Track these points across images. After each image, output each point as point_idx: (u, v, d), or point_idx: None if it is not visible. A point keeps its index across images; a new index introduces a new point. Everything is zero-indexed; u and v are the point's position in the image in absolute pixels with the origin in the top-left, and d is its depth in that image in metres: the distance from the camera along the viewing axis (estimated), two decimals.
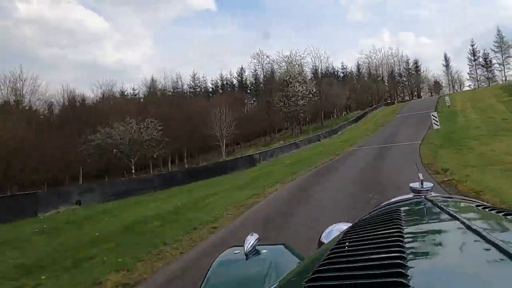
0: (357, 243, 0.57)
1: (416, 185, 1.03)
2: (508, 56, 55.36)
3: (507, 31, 70.44)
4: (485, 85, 55.42)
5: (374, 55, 62.79)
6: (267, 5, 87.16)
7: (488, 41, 72.56)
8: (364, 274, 0.42)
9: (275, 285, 0.56)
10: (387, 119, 28.72)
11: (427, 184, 1.01)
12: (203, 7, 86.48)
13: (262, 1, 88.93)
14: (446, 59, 64.94)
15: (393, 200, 1.06)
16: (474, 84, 59.32)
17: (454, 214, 0.65)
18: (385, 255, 0.46)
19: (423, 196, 0.96)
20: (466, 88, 59.41)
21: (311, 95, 40.88)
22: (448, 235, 0.57)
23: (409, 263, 0.44)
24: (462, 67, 67.20)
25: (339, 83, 54.45)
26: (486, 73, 57.55)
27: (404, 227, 0.61)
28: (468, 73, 59.95)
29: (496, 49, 56.21)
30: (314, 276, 0.45)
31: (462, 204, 0.88)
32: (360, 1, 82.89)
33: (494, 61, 56.91)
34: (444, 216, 0.68)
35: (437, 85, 59.97)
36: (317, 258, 0.59)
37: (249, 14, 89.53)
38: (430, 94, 60.64)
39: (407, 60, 62.11)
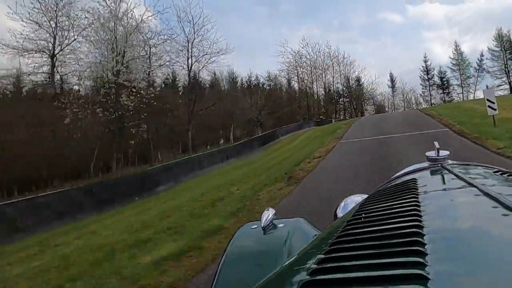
0: (374, 214, 0.58)
1: (432, 153, 1.03)
2: (468, 77, 47.67)
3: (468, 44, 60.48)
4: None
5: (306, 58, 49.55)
6: None
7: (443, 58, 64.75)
8: (381, 244, 0.43)
9: (293, 258, 0.58)
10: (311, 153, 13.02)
11: (444, 152, 1.02)
12: None
13: None
14: (392, 79, 53.42)
15: (408, 169, 1.07)
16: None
17: (472, 181, 0.66)
18: (401, 225, 0.47)
19: (439, 165, 0.97)
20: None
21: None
22: (465, 202, 0.58)
23: (425, 231, 0.44)
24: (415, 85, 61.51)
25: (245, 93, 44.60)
26: (442, 95, 49.49)
27: (421, 196, 0.63)
28: (420, 94, 51.08)
29: (453, 67, 48.19)
30: (332, 247, 0.46)
31: (479, 171, 0.89)
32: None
33: (452, 81, 48.65)
34: (461, 183, 0.69)
35: (381, 107, 51.02)
36: (334, 230, 0.59)
37: None
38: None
39: (346, 76, 51.20)
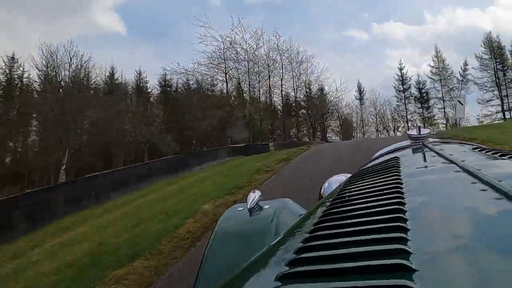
0: (357, 192, 0.61)
1: (413, 132, 1.08)
2: (451, 89, 38.29)
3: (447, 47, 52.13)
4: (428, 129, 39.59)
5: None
6: None
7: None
8: (364, 221, 0.44)
9: (279, 237, 0.59)
10: None
11: (424, 131, 1.07)
12: None
13: None
14: (360, 90, 42.24)
15: (391, 147, 1.10)
16: (403, 127, 38.96)
17: (451, 158, 0.69)
18: (384, 202, 0.49)
19: (420, 143, 1.00)
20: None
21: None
22: (445, 179, 0.60)
23: (407, 207, 0.46)
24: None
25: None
26: (421, 109, 39.89)
27: (403, 174, 0.65)
28: (395, 108, 40.64)
29: (434, 77, 38.76)
30: (317, 226, 0.48)
31: (459, 148, 0.93)
32: None
33: (432, 94, 39.16)
34: (442, 160, 0.72)
35: (347, 122, 40.96)
36: (319, 209, 0.62)
37: None
38: (340, 135, 40.53)
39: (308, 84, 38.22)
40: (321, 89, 38.98)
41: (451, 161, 0.68)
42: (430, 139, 1.05)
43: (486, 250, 0.32)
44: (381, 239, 0.38)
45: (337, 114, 39.90)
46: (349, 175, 1.03)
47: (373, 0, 50.74)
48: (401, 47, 51.03)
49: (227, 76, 32.37)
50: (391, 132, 41.40)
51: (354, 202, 0.55)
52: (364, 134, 42.05)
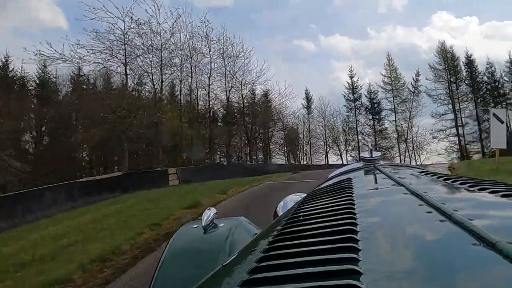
0: (311, 212, 0.64)
1: (365, 154, 1.12)
2: (404, 100, 36.04)
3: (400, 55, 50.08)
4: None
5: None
6: None
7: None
8: (317, 241, 0.47)
9: (233, 256, 0.62)
10: None
11: (376, 153, 1.12)
12: None
13: None
14: (308, 98, 38.26)
15: (344, 169, 1.14)
16: (353, 141, 36.63)
17: (400, 181, 0.75)
18: (337, 222, 0.53)
19: (372, 165, 1.05)
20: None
21: None
22: (395, 200, 0.65)
23: (359, 228, 0.48)
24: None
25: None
26: (372, 121, 36.94)
27: (355, 195, 0.70)
28: (345, 119, 37.25)
29: (386, 87, 36.43)
30: (271, 246, 0.51)
31: (407, 171, 0.98)
32: None
33: (385, 104, 36.64)
34: (392, 182, 0.77)
35: (292, 133, 36.17)
36: (273, 229, 0.65)
37: None
38: (286, 155, 36.57)
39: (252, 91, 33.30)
40: (266, 94, 33.77)
41: (400, 184, 0.72)
42: (382, 162, 1.10)
43: (432, 271, 0.34)
44: (334, 260, 0.39)
45: (281, 123, 33.78)
46: (304, 194, 1.07)
47: (321, 13, 51.76)
48: (346, 59, 52.53)
49: (128, 68, 23.19)
50: (342, 148, 36.20)
51: (308, 222, 0.58)
52: (311, 147, 36.42)
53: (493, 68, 32.96)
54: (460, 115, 33.94)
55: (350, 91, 37.55)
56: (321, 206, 0.66)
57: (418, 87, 35.07)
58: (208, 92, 29.68)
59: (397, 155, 34.95)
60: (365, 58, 49.40)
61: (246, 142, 32.65)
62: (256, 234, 1.02)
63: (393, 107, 35.85)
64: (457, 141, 33.79)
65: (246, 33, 48.39)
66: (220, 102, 31.49)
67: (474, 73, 33.79)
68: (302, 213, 0.64)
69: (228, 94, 30.77)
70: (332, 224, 0.51)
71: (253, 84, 31.41)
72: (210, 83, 29.38)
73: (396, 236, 0.47)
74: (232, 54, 29.81)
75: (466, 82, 33.95)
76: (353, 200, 0.64)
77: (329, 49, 50.76)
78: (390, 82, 36.16)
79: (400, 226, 0.51)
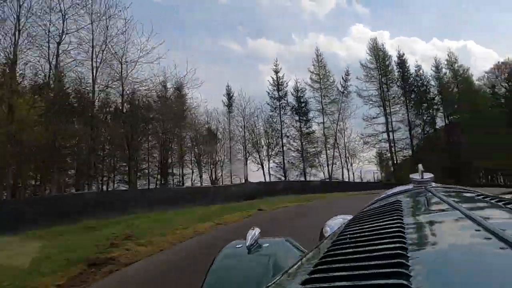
0: (359, 235, 0.64)
1: (416, 176, 1.11)
2: (333, 101, 32.99)
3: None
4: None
5: None
6: None
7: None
8: (365, 265, 0.48)
9: (277, 278, 0.62)
10: None
11: (428, 175, 1.09)
12: None
13: None
14: (229, 95, 33.73)
15: (393, 191, 1.15)
16: (277, 145, 32.77)
17: (455, 205, 0.72)
18: (386, 246, 0.53)
19: (423, 187, 1.04)
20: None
21: None
22: (449, 225, 0.62)
23: (410, 253, 0.47)
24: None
25: None
26: (298, 123, 33.44)
27: (405, 218, 0.69)
28: (267, 119, 32.96)
29: (314, 85, 33.31)
30: (316, 268, 0.52)
31: (462, 194, 0.97)
32: None
33: (313, 104, 33.67)
34: (445, 206, 0.75)
35: (211, 135, 31.65)
36: (319, 251, 0.66)
37: None
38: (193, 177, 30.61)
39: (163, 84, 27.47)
40: (179, 88, 27.96)
41: (455, 208, 0.69)
42: (433, 184, 1.07)
43: None
44: (382, 285, 0.39)
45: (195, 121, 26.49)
46: (350, 216, 1.08)
47: (249, 16, 49.96)
48: (272, 63, 47.61)
49: None
50: (264, 154, 30.22)
51: (355, 244, 0.57)
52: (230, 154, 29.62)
53: (421, 71, 30.92)
54: (391, 119, 30.82)
55: (275, 87, 32.88)
56: (369, 229, 0.64)
57: (348, 87, 31.69)
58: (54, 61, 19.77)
59: (325, 161, 30.30)
60: (290, 63, 49.26)
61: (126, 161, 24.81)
62: (301, 255, 1.03)
63: (321, 108, 31.79)
64: (388, 147, 30.59)
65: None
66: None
67: (406, 74, 31.40)
68: (349, 235, 0.64)
69: (95, 73, 21.64)
70: (380, 247, 0.50)
71: (137, 62, 22.64)
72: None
73: (451, 264, 0.44)
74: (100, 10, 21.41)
75: (398, 84, 31.14)
76: (403, 224, 0.61)
77: (256, 52, 49.46)
78: (319, 80, 32.36)
79: (455, 253, 0.48)
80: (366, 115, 32.20)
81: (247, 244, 1.13)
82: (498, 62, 33.54)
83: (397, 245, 0.48)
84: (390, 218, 0.67)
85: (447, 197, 0.81)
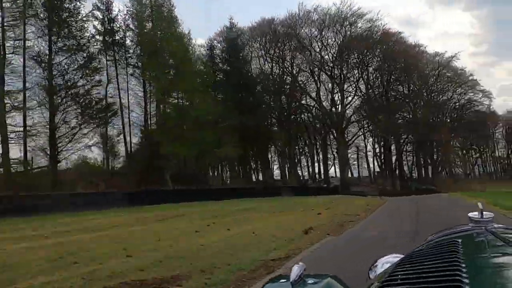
0: (411, 276, 0.62)
1: (475, 214, 1.06)
2: None
3: None
4: None
5: None
6: None
7: None
8: None
9: None
10: None
11: (488, 214, 1.05)
12: None
13: None
14: None
15: (449, 230, 1.11)
16: None
17: None
18: None
19: (483, 227, 1.00)
20: None
21: None
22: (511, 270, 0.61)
23: None
24: None
25: None
26: None
27: (462, 261, 0.66)
28: None
29: None
30: None
31: None
32: None
33: None
34: (508, 249, 0.72)
35: None
36: None
37: None
38: None
39: None
40: None
41: None
42: (494, 224, 1.02)
43: None
44: None
45: None
46: (401, 256, 1.04)
47: None
48: None
49: None
50: None
51: (407, 285, 0.56)
52: None
53: None
54: None
55: None
56: (422, 270, 0.61)
57: None
58: None
59: None
60: None
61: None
62: None
63: None
64: None
65: None
66: None
67: None
68: (400, 276, 0.62)
69: None
70: None
71: None
72: None
73: None
74: None
75: None
76: (461, 267, 0.58)
77: None
78: None
79: None
80: None
81: (291, 280, 1.11)
82: None
83: None
84: (445, 260, 0.64)
85: (510, 239, 0.77)
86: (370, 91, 46.14)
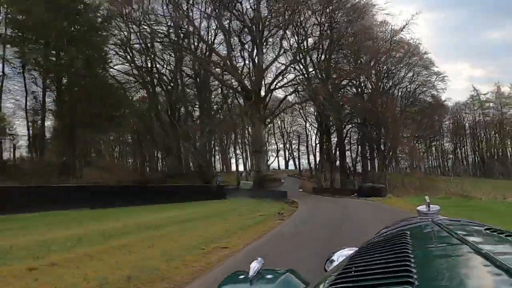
0: (364, 268, 0.64)
1: (423, 208, 1.10)
2: None
3: None
4: None
5: None
6: None
7: None
8: None
9: None
10: None
11: (434, 207, 1.09)
12: None
13: None
14: None
15: (400, 223, 1.14)
16: None
17: (463, 238, 0.71)
18: (392, 280, 0.53)
19: (430, 219, 1.03)
20: None
21: None
22: (457, 260, 0.62)
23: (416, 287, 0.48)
24: None
25: None
26: None
27: (411, 251, 0.69)
28: None
29: None
30: None
31: (470, 228, 0.96)
32: None
33: None
34: (453, 240, 0.75)
35: None
36: (323, 284, 0.66)
37: None
38: None
39: None
40: None
41: (463, 241, 0.68)
42: (440, 216, 1.05)
43: None
44: None
45: None
46: (355, 249, 1.07)
47: None
48: None
49: None
50: None
51: (360, 277, 0.57)
52: None
53: None
54: None
55: None
56: (374, 262, 0.64)
57: None
58: None
59: None
60: None
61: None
62: (305, 287, 1.06)
63: None
64: None
65: None
66: None
67: None
68: (354, 268, 0.64)
69: None
70: (386, 282, 0.50)
71: None
72: None
73: None
74: None
75: None
76: (410, 257, 0.60)
77: None
78: None
79: None
80: None
81: (249, 275, 1.10)
82: None
83: (404, 279, 0.47)
84: (396, 252, 0.66)
85: (454, 230, 0.79)
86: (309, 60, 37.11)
